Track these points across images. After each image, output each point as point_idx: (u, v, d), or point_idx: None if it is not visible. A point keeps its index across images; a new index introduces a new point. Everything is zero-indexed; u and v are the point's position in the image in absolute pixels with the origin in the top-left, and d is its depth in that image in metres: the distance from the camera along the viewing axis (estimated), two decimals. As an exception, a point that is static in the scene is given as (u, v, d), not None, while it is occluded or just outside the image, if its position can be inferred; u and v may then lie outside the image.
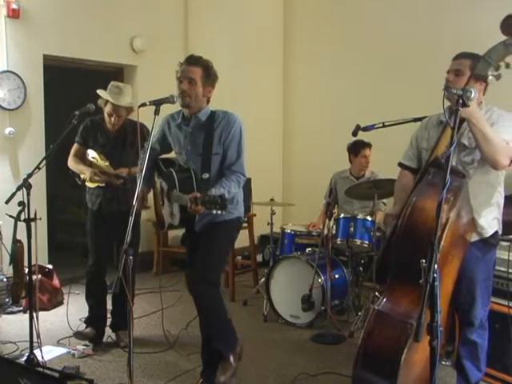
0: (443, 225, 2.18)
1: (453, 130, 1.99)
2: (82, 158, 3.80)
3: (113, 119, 3.69)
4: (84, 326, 3.92)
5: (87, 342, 3.77)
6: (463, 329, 2.66)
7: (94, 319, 3.87)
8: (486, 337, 2.72)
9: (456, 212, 2.23)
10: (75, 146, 3.85)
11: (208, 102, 2.92)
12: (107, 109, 3.69)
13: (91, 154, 3.71)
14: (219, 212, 2.44)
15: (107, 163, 3.66)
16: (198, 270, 2.91)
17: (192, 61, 2.81)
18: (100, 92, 3.70)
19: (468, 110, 2.34)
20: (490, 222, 2.57)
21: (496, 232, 2.61)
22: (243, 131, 2.88)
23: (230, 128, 2.83)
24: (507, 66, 2.37)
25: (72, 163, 3.82)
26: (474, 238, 2.53)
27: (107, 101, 3.67)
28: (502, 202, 2.63)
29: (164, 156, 3.10)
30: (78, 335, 3.83)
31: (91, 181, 3.72)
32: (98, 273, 3.84)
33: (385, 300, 2.32)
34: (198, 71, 2.78)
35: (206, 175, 2.82)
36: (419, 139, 2.76)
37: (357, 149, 4.74)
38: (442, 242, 2.17)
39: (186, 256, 3.18)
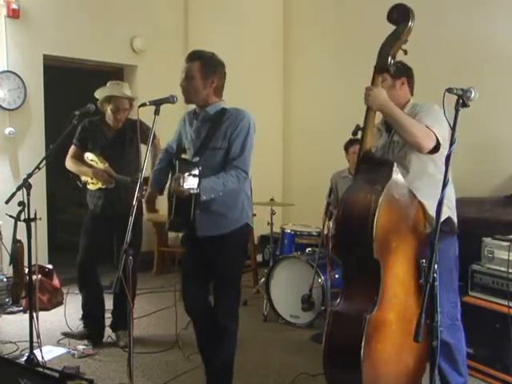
0: (372, 214, 2.21)
1: (453, 130, 1.99)
2: (79, 159, 3.78)
3: (118, 115, 3.68)
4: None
5: (87, 342, 3.78)
6: None
7: (88, 317, 3.88)
8: (461, 337, 2.68)
9: (386, 200, 2.25)
10: (73, 148, 3.82)
11: (217, 94, 2.84)
12: (111, 106, 3.67)
13: (90, 157, 3.70)
14: (196, 191, 2.52)
15: (106, 165, 3.66)
16: (219, 303, 2.83)
17: (189, 57, 2.80)
18: (99, 92, 3.69)
19: (378, 102, 2.41)
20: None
21: (448, 218, 2.59)
22: (252, 128, 2.79)
23: (238, 122, 2.76)
24: (405, 52, 2.50)
25: (71, 164, 3.79)
26: (428, 229, 2.51)
27: (110, 98, 3.65)
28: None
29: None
30: (69, 335, 3.85)
31: (95, 178, 3.69)
32: (87, 261, 3.79)
33: (341, 301, 2.38)
34: (196, 65, 2.75)
35: (196, 158, 2.75)
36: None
37: (347, 146, 4.69)
38: (374, 230, 2.19)
39: (183, 257, 3.06)
